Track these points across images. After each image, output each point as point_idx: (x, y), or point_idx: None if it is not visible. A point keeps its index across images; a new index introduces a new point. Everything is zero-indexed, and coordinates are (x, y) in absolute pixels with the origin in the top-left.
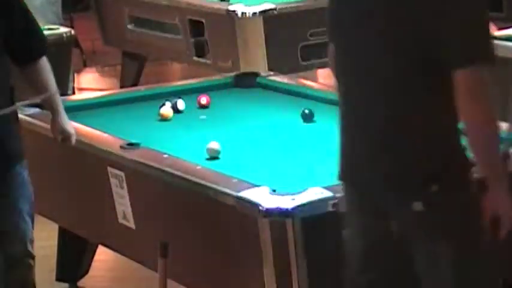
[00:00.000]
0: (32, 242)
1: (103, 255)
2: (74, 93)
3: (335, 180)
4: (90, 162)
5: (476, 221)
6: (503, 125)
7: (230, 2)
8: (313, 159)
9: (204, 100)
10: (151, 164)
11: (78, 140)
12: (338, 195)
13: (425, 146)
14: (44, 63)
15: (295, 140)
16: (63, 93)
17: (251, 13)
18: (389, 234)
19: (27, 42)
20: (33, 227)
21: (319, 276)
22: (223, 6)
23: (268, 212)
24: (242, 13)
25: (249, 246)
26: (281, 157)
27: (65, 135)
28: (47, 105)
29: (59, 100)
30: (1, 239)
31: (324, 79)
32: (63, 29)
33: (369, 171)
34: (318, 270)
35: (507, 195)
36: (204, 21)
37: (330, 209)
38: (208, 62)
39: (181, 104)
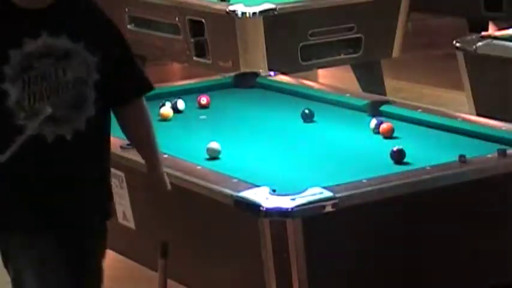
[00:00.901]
0: None
1: None
2: None
3: (335, 180)
4: None
5: None
6: (504, 125)
7: (230, 2)
8: (313, 159)
9: (204, 100)
10: None
11: None
12: (338, 195)
13: None
14: (141, 105)
15: (295, 140)
16: None
17: (251, 13)
18: None
19: (123, 80)
20: None
21: (319, 276)
22: (223, 6)
23: (268, 212)
24: (242, 13)
25: (249, 246)
26: (281, 157)
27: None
28: (141, 154)
29: (156, 149)
30: None
31: (324, 79)
32: None
33: None
34: (318, 270)
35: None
36: (204, 21)
37: (330, 209)
38: (208, 62)
39: (181, 104)
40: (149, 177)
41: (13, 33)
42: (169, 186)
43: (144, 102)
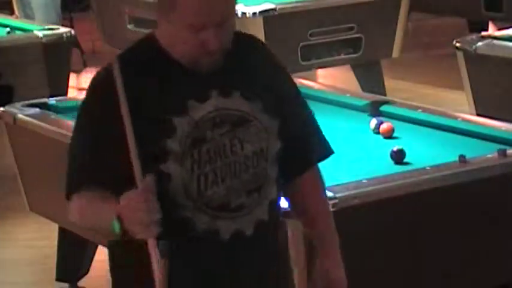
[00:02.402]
0: None
1: (103, 255)
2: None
3: (335, 180)
4: None
5: None
6: (504, 125)
7: None
8: None
9: None
10: None
11: None
12: (338, 195)
13: None
14: (319, 171)
15: None
16: (63, 93)
17: (251, 13)
18: None
19: (306, 143)
20: None
21: None
22: None
23: None
24: (242, 13)
25: None
26: None
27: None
28: (314, 233)
29: (334, 228)
30: None
31: (324, 79)
32: (63, 29)
33: None
34: None
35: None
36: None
37: (330, 209)
38: None
39: None
40: (321, 268)
41: (176, 97)
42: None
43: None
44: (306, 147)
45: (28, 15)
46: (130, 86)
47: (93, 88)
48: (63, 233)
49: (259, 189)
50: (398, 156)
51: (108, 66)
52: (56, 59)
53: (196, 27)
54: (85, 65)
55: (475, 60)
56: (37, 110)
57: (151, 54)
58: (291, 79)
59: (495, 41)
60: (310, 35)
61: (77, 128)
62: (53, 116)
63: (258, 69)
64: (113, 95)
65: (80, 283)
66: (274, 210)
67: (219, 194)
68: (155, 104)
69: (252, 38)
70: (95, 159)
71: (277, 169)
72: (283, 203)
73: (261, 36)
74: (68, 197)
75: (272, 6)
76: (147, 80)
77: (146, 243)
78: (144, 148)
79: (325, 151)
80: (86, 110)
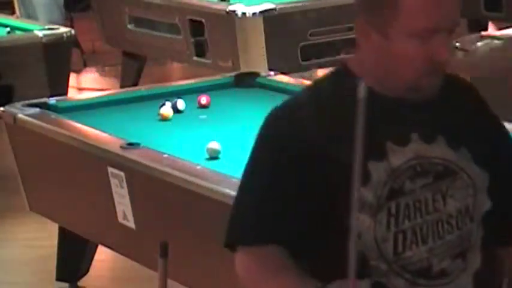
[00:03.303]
0: None
1: (103, 255)
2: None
3: None
4: (90, 162)
5: None
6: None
7: (230, 2)
8: None
9: (204, 100)
10: (151, 164)
11: (78, 140)
12: None
13: None
14: None
15: None
16: (63, 93)
17: (251, 13)
18: None
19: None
20: None
21: None
22: (223, 6)
23: None
24: (242, 13)
25: None
26: None
27: None
28: None
29: None
30: None
31: None
32: (63, 29)
33: None
34: None
35: None
36: (204, 21)
37: None
38: (208, 62)
39: (181, 104)
40: None
41: (373, 137)
42: None
43: None
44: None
45: (29, 15)
46: (321, 125)
47: (275, 132)
48: (63, 233)
49: (463, 255)
50: None
51: (282, 110)
52: (56, 59)
53: (429, 31)
54: (85, 65)
55: (474, 60)
56: (37, 110)
57: (344, 87)
58: (505, 130)
59: (495, 41)
60: (310, 35)
61: (252, 173)
62: (53, 116)
63: (467, 113)
64: (298, 138)
65: (80, 283)
66: (479, 283)
67: (420, 256)
68: (347, 145)
69: (460, 78)
70: (276, 209)
71: (483, 233)
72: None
73: (261, 36)
74: (232, 247)
75: (272, 6)
76: (341, 116)
77: None
78: (331, 197)
79: None
80: (266, 156)
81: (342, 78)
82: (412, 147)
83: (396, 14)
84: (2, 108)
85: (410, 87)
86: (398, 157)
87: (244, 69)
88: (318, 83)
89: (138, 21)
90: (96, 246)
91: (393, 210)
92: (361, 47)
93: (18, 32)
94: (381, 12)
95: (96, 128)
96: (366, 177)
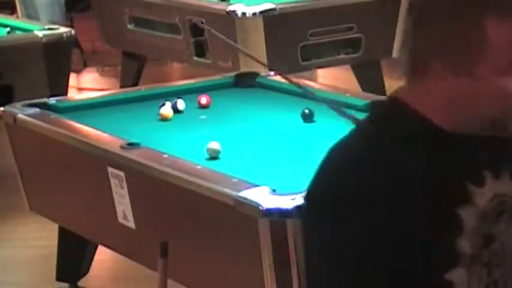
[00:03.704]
0: None
1: (103, 255)
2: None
3: None
4: (90, 162)
5: None
6: None
7: (230, 2)
8: (313, 159)
9: (204, 100)
10: (151, 164)
11: (78, 140)
12: None
13: None
14: None
15: (295, 140)
16: (63, 93)
17: (251, 13)
18: None
19: None
20: None
21: None
22: (223, 6)
23: (268, 212)
24: (242, 13)
25: (249, 246)
26: (281, 157)
27: None
28: None
29: None
30: None
31: (324, 79)
32: (63, 29)
33: None
34: None
35: None
36: (204, 21)
37: None
38: (208, 62)
39: (181, 104)
40: None
41: (455, 178)
42: None
43: None
44: None
45: (30, 15)
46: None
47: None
48: (63, 233)
49: None
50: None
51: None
52: (56, 59)
53: None
54: (85, 65)
55: None
56: (37, 110)
57: (410, 124)
58: None
59: None
60: (310, 35)
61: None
62: (53, 116)
63: None
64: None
65: (80, 283)
66: None
67: None
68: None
69: None
70: None
71: None
72: None
73: (261, 36)
74: None
75: (272, 6)
76: (412, 159)
77: None
78: (425, 251)
79: None
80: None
81: (404, 116)
82: (489, 186)
83: (481, 54)
84: (2, 108)
85: (496, 128)
86: (482, 199)
87: (244, 69)
88: (377, 125)
89: (138, 21)
90: (96, 246)
91: (485, 259)
92: (424, 82)
93: (18, 32)
94: (467, 51)
95: (96, 128)
96: (458, 226)
